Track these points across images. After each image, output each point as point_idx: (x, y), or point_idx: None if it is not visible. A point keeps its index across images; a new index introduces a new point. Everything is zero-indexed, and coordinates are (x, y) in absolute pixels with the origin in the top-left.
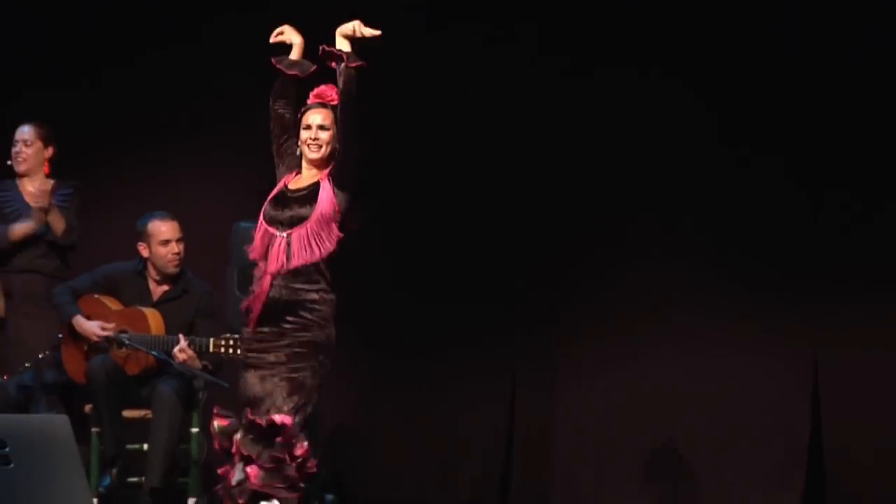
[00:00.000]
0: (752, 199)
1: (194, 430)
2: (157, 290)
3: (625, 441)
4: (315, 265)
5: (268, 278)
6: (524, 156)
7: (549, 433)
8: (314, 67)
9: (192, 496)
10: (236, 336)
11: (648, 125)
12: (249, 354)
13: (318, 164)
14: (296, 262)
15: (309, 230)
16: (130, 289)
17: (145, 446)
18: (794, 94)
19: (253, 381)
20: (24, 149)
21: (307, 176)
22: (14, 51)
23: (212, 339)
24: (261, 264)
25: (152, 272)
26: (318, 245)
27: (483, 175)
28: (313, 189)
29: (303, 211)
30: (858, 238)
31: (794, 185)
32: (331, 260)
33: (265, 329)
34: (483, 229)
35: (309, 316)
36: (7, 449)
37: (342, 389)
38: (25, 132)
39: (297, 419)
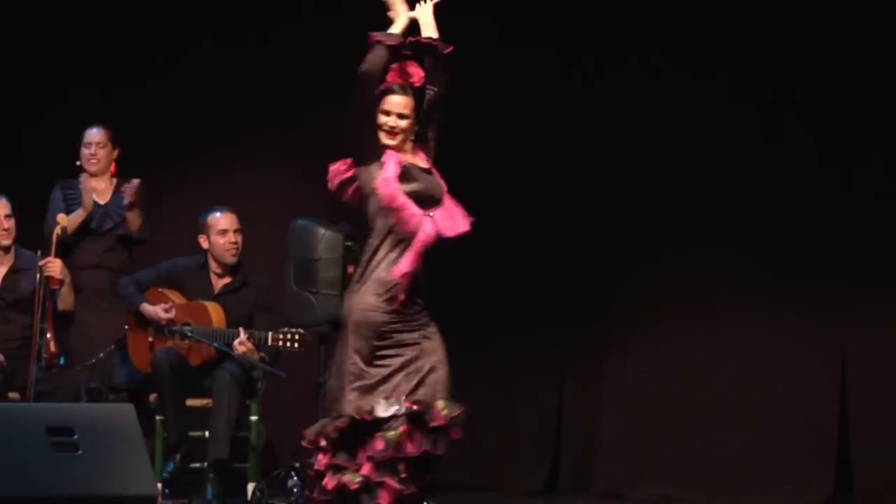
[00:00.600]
0: (785, 194)
1: (253, 418)
2: (218, 283)
3: (664, 428)
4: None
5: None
6: (573, 156)
7: (595, 420)
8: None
9: (252, 481)
10: (293, 330)
11: (681, 120)
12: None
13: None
14: (451, 233)
15: (451, 202)
16: (192, 282)
17: (207, 433)
18: (824, 81)
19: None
20: (97, 150)
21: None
22: (80, 52)
23: (270, 333)
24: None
25: (213, 265)
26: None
27: (535, 175)
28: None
29: (436, 185)
30: (888, 229)
31: (826, 178)
32: None
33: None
34: (534, 226)
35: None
36: (75, 436)
37: None
38: (96, 135)
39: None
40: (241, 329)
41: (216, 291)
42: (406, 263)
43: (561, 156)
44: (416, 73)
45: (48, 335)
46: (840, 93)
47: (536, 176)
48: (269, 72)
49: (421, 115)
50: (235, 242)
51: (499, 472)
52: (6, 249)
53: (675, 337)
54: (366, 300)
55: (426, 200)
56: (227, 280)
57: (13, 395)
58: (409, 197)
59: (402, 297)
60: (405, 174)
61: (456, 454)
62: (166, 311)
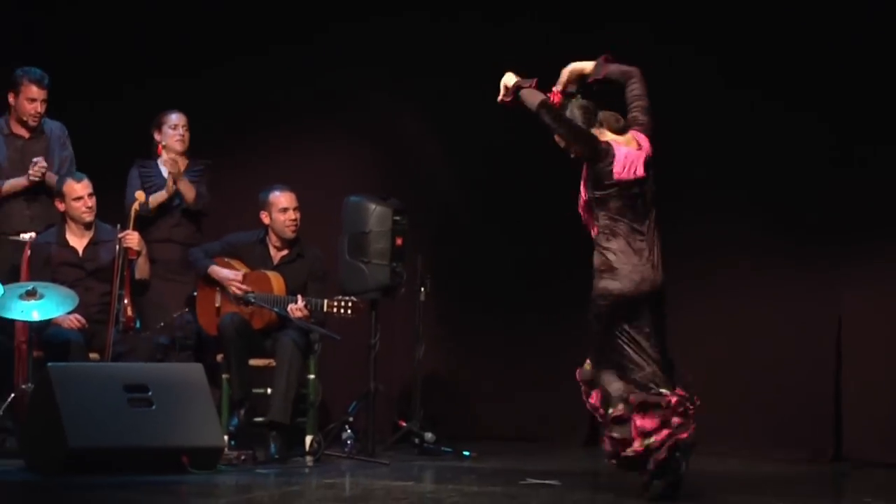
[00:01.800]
0: (782, 166)
1: (311, 376)
2: (277, 255)
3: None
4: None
5: None
6: None
7: None
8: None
9: (310, 434)
10: (347, 297)
11: (695, 100)
12: None
13: None
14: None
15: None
16: (253, 254)
17: (269, 390)
18: (826, 52)
19: None
20: (184, 132)
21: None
22: (154, 42)
23: (325, 300)
24: None
25: (272, 239)
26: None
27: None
28: None
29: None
30: (881, 190)
31: (825, 146)
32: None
33: None
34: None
35: None
36: (150, 393)
37: (446, 341)
38: (182, 117)
39: None
40: (299, 296)
41: (275, 263)
42: None
43: None
44: None
45: (125, 301)
46: (832, 70)
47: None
48: (325, 64)
49: None
50: (295, 219)
51: (543, 427)
52: (88, 225)
53: (693, 299)
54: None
55: None
56: (284, 252)
57: (93, 355)
58: None
59: None
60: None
61: (505, 410)
62: (236, 276)
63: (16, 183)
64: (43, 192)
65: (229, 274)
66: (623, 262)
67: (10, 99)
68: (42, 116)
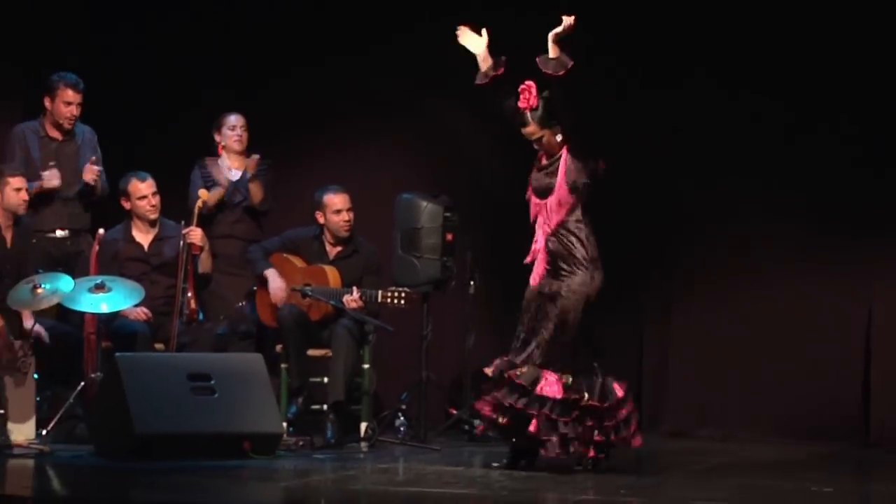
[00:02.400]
0: (816, 167)
1: (365, 366)
2: (333, 251)
3: (723, 374)
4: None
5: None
6: (643, 145)
7: (664, 368)
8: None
9: (364, 421)
10: (400, 289)
11: (730, 113)
12: None
13: None
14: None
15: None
16: (310, 249)
17: (326, 380)
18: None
19: None
20: (242, 132)
21: None
22: (218, 49)
23: (380, 291)
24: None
25: (328, 236)
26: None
27: (610, 162)
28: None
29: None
30: None
31: (852, 146)
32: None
33: None
34: (615, 204)
35: None
36: (212, 381)
37: (494, 332)
38: (240, 118)
39: None
40: (353, 288)
41: (331, 258)
42: None
43: (637, 152)
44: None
45: (189, 294)
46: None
47: (625, 164)
48: (381, 71)
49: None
50: (348, 220)
51: None
52: (153, 222)
53: (733, 297)
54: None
55: None
56: (340, 248)
57: (159, 346)
58: None
59: None
60: None
61: None
62: (284, 291)
63: (51, 183)
64: (76, 194)
65: (276, 291)
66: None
67: (47, 103)
68: (76, 119)
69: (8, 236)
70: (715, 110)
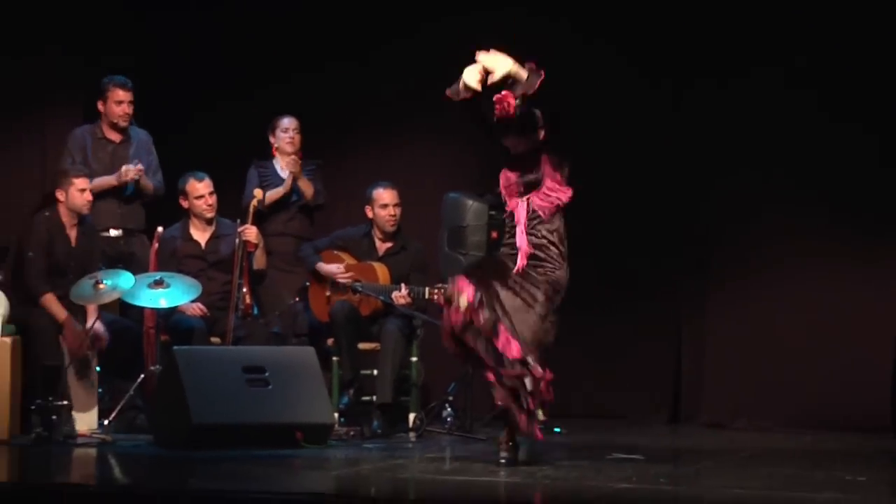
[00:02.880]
0: (851, 170)
1: (413, 359)
2: (382, 247)
3: (759, 366)
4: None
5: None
6: (676, 145)
7: (703, 359)
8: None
9: (413, 412)
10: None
11: (765, 110)
12: None
13: None
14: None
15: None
16: (360, 247)
17: (375, 372)
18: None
19: None
20: (294, 135)
21: None
22: (268, 48)
23: (427, 288)
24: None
25: (377, 232)
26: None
27: (644, 160)
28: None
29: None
30: None
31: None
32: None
33: None
34: (650, 200)
35: None
36: (266, 374)
37: None
38: (293, 121)
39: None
40: (402, 284)
41: (380, 254)
42: None
43: (671, 149)
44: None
45: (244, 290)
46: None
47: (650, 168)
48: (429, 69)
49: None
50: (394, 215)
51: (628, 405)
52: (210, 220)
53: (766, 290)
54: None
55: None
56: (388, 245)
57: (215, 339)
58: None
59: None
60: None
61: (592, 390)
62: (339, 269)
63: (104, 182)
64: (131, 194)
65: (333, 268)
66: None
67: (100, 106)
68: (130, 118)
69: (72, 235)
70: (749, 106)
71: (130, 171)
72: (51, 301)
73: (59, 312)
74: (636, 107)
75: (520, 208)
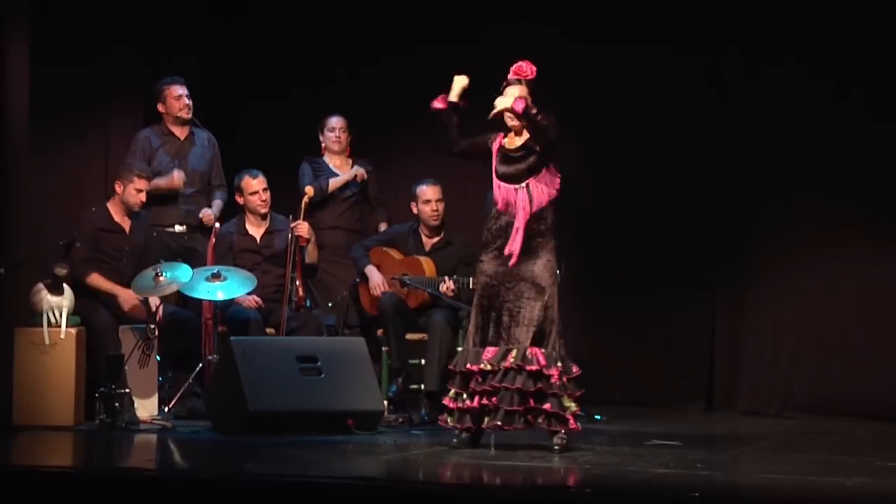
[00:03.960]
0: (891, 164)
1: (459, 348)
2: (428, 243)
3: (794, 353)
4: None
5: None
6: (713, 135)
7: (738, 347)
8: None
9: None
10: None
11: (803, 99)
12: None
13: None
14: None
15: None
16: (407, 242)
17: (423, 361)
18: None
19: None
20: (341, 134)
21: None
22: (319, 48)
23: (471, 278)
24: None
25: (423, 228)
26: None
27: (680, 151)
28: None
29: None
30: None
31: None
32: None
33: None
34: (686, 189)
35: None
36: (319, 363)
37: (580, 316)
38: (340, 121)
39: None
40: (446, 277)
41: (427, 249)
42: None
43: (706, 142)
44: (528, 69)
45: (297, 283)
46: None
47: (686, 159)
48: (473, 68)
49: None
50: (437, 210)
51: (666, 393)
52: (264, 216)
53: (801, 278)
54: None
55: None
56: (435, 240)
57: (270, 330)
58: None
59: None
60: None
61: (631, 378)
62: (381, 286)
63: (163, 183)
64: (196, 191)
65: (377, 280)
66: None
67: (160, 108)
68: (191, 110)
69: (126, 225)
70: (787, 96)
71: (207, 215)
72: (98, 279)
73: (108, 286)
74: (675, 99)
75: (519, 195)
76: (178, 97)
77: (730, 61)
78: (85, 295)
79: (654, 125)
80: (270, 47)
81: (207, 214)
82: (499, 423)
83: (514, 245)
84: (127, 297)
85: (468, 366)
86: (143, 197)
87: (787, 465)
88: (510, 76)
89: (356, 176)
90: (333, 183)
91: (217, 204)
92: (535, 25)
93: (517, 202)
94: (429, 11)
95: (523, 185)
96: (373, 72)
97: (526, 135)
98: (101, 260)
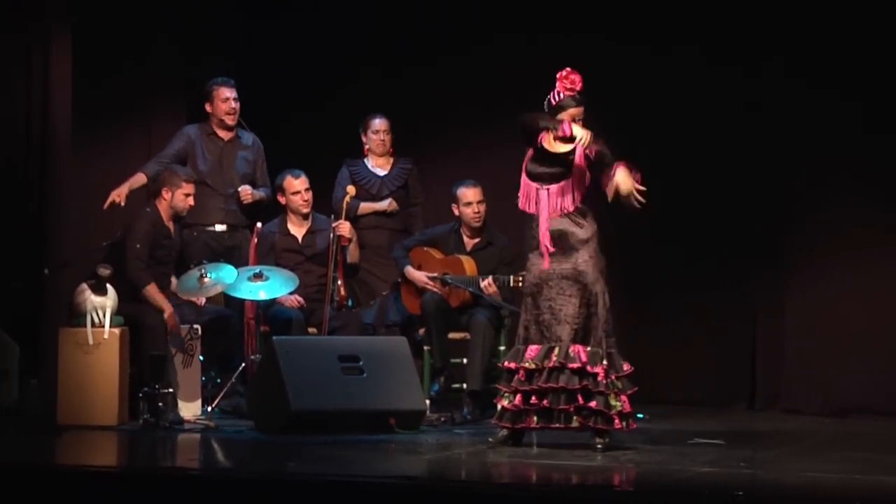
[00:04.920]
0: None
1: (502, 347)
2: (470, 243)
3: (834, 351)
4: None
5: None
6: (750, 137)
7: (779, 347)
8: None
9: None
10: None
11: (838, 105)
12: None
13: None
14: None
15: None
16: (448, 243)
17: (465, 360)
18: None
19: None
20: (384, 136)
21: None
22: (359, 50)
23: (511, 276)
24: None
25: (464, 229)
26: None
27: (718, 154)
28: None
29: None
30: None
31: None
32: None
33: None
34: (727, 186)
35: None
36: (361, 362)
37: (622, 315)
38: (385, 123)
39: None
40: (486, 276)
41: (468, 250)
42: None
43: (745, 142)
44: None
45: (339, 282)
46: None
47: (725, 158)
48: (505, 75)
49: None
50: (478, 212)
51: (709, 392)
52: (305, 216)
53: (842, 276)
54: None
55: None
56: (476, 240)
57: (312, 330)
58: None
59: None
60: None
61: (674, 377)
62: (426, 280)
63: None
64: (235, 191)
65: (421, 276)
66: None
67: (208, 108)
68: (238, 115)
69: (171, 227)
70: (821, 97)
71: (247, 193)
72: (154, 291)
73: (160, 301)
74: (713, 101)
75: (541, 196)
76: (225, 100)
77: (770, 68)
78: (133, 295)
79: (692, 129)
80: (311, 47)
81: (246, 190)
82: (549, 423)
83: (543, 244)
84: (170, 316)
85: (507, 363)
86: (191, 201)
87: (830, 464)
88: (562, 91)
89: (387, 208)
90: (365, 207)
91: (260, 193)
92: (574, 29)
93: (539, 202)
94: (473, 11)
95: (546, 188)
96: (416, 72)
97: (569, 147)
98: (152, 264)
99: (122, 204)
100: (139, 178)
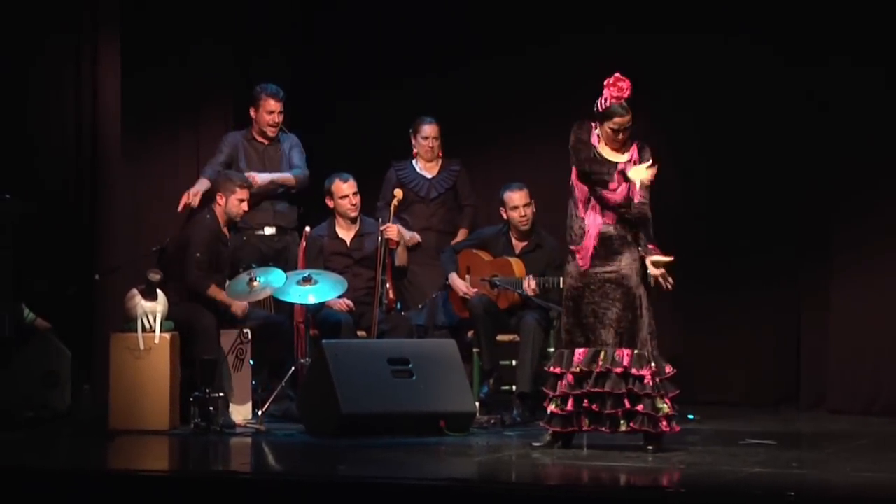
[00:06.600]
0: None
1: (551, 349)
2: (518, 245)
3: (882, 351)
4: None
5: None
6: (809, 131)
7: (825, 345)
8: None
9: None
10: None
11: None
12: None
13: None
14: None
15: None
16: (497, 244)
17: (514, 362)
18: None
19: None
20: (433, 142)
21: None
22: (414, 46)
23: (560, 278)
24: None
25: (513, 231)
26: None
27: (768, 153)
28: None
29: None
30: None
31: None
32: None
33: None
34: (773, 185)
35: None
36: (410, 365)
37: (671, 316)
38: (435, 129)
39: None
40: (529, 276)
41: (517, 252)
42: None
43: (791, 137)
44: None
45: (388, 285)
46: None
47: (773, 156)
48: (557, 75)
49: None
50: (525, 215)
51: (760, 392)
52: (354, 219)
53: (889, 275)
54: None
55: None
56: (524, 243)
57: (361, 333)
58: None
59: None
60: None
61: (724, 378)
62: (467, 291)
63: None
64: (285, 195)
65: (461, 286)
66: None
67: (252, 113)
68: (279, 126)
69: (227, 233)
70: (872, 93)
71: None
72: (216, 291)
73: (223, 297)
74: (773, 95)
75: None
76: (270, 112)
77: (837, 63)
78: (191, 298)
79: (748, 122)
80: (360, 47)
81: (252, 176)
82: (600, 427)
83: (586, 247)
84: (238, 304)
85: (552, 368)
86: (245, 206)
87: (881, 464)
88: (609, 98)
89: (408, 242)
90: (408, 241)
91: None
92: (614, 29)
93: (591, 203)
94: (522, 13)
95: (602, 192)
96: (468, 72)
97: (625, 156)
98: (210, 271)
99: (195, 206)
100: (204, 183)
